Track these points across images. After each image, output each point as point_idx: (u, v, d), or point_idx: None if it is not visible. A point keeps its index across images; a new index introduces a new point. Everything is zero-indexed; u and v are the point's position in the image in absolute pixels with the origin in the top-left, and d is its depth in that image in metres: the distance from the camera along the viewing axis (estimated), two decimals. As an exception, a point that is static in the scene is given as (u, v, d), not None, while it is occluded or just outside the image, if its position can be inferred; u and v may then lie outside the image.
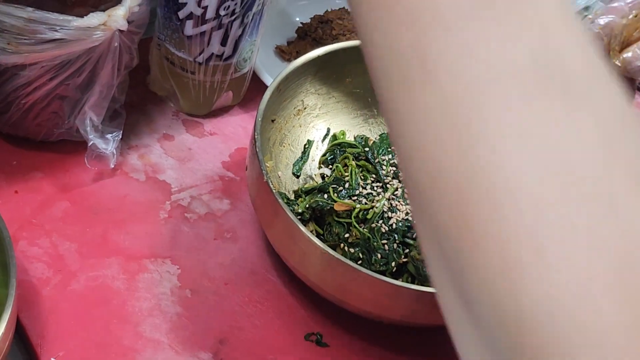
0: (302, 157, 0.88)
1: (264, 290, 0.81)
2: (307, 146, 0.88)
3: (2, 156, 0.85)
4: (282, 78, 0.83)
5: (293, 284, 0.81)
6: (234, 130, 0.94)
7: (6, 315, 0.61)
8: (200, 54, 0.87)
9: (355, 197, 0.81)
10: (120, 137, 0.85)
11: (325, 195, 0.80)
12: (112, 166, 0.85)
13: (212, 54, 0.87)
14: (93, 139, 0.83)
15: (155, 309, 0.77)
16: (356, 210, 0.79)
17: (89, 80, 0.81)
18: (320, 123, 0.90)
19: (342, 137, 0.89)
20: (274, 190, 0.73)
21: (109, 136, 0.84)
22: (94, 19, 0.76)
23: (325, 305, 0.79)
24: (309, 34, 1.02)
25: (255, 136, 0.76)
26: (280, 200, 0.72)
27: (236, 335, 0.77)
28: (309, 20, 1.03)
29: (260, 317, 0.79)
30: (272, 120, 0.85)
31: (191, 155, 0.90)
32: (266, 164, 0.80)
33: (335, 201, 0.80)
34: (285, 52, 1.01)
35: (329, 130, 0.90)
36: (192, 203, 0.86)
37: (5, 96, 0.80)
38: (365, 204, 0.80)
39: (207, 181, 0.88)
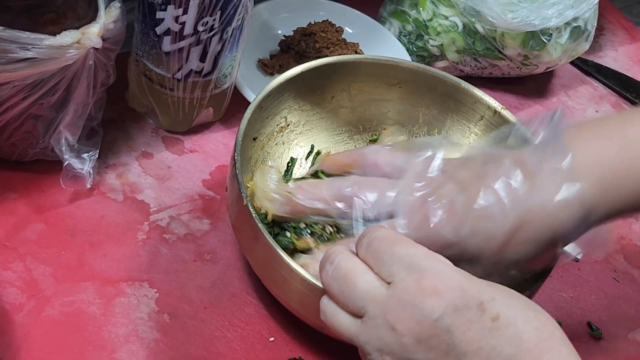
0: (284, 175, 0.85)
1: (244, 314, 0.79)
2: (290, 164, 0.86)
3: (-25, 176, 0.83)
4: (264, 95, 0.80)
5: (275, 307, 0.79)
6: (215, 147, 0.92)
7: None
8: (178, 70, 0.85)
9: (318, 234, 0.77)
10: (97, 156, 0.83)
11: (287, 234, 0.77)
12: (89, 186, 0.82)
13: (191, 70, 0.85)
14: (68, 159, 0.81)
15: (132, 334, 0.75)
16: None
17: (63, 99, 0.79)
18: (304, 140, 0.88)
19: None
20: (253, 214, 0.71)
21: (85, 155, 0.82)
22: (67, 37, 0.74)
23: (308, 329, 0.77)
24: (292, 47, 1.00)
25: (236, 157, 0.74)
26: (260, 225, 0.70)
27: (216, 362, 0.75)
28: (291, 33, 1.02)
29: (240, 341, 0.76)
30: (254, 139, 0.83)
31: (170, 174, 0.88)
32: (247, 184, 0.78)
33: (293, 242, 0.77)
34: (268, 66, 0.99)
35: (312, 147, 0.88)
36: (171, 223, 0.84)
37: (-23, 116, 0.78)
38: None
39: (187, 200, 0.86)
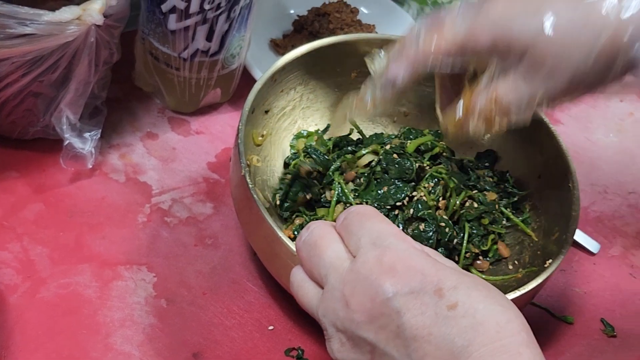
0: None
1: (244, 301, 0.77)
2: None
3: (-25, 154, 0.81)
4: (278, 68, 0.79)
5: (276, 295, 0.77)
6: (222, 129, 0.90)
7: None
8: (184, 49, 0.83)
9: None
10: (100, 135, 0.81)
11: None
12: (90, 166, 0.81)
13: (197, 49, 0.83)
14: (69, 138, 0.79)
15: (127, 319, 0.73)
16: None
17: (64, 76, 0.77)
18: (320, 118, 0.86)
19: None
20: (250, 185, 0.69)
21: (87, 135, 0.80)
22: (67, 13, 0.72)
23: (310, 319, 0.74)
24: (306, 27, 0.98)
25: (240, 126, 0.73)
26: (255, 196, 0.69)
27: (212, 349, 0.73)
28: (305, 13, 0.99)
29: (238, 329, 0.75)
30: (266, 112, 0.81)
31: (175, 156, 0.86)
32: (251, 157, 0.76)
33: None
34: (280, 46, 0.97)
35: (328, 126, 0.86)
36: (173, 206, 0.82)
37: (-25, 93, 0.77)
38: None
39: (191, 183, 0.84)
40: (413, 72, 0.68)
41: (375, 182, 0.77)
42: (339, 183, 0.77)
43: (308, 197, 0.78)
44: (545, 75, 0.64)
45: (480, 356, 0.51)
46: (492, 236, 0.80)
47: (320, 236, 0.59)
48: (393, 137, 0.83)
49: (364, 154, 0.79)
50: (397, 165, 0.76)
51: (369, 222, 0.58)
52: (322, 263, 0.58)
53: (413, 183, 0.76)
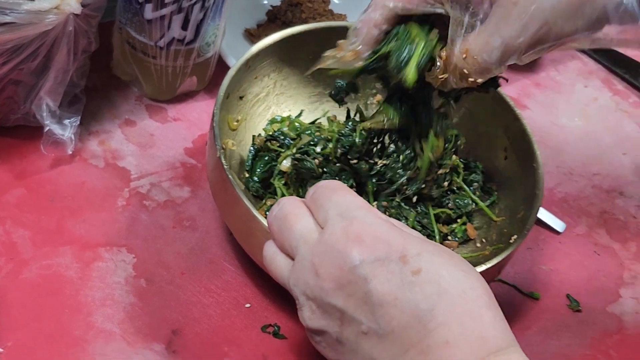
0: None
1: (221, 281, 0.79)
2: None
3: (-42, 141, 0.83)
4: (252, 55, 0.82)
5: (252, 274, 0.80)
6: (199, 116, 0.92)
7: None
8: (161, 38, 0.85)
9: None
10: (79, 122, 0.84)
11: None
12: (70, 152, 0.83)
13: (173, 38, 0.85)
14: (49, 125, 0.81)
15: (108, 298, 0.76)
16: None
17: (43, 65, 0.79)
18: (293, 105, 0.89)
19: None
20: (225, 166, 0.72)
21: (66, 122, 0.83)
22: (46, 2, 0.74)
23: (286, 297, 0.77)
24: (279, 17, 1.00)
25: (215, 110, 0.75)
26: (230, 177, 0.72)
27: (190, 326, 0.75)
28: (279, 3, 1.01)
29: (216, 307, 0.77)
30: (240, 97, 0.83)
31: (153, 142, 0.89)
32: (227, 141, 0.79)
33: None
34: (254, 36, 0.99)
35: (301, 112, 0.89)
36: (152, 190, 0.84)
37: (-43, 81, 0.79)
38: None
39: (168, 168, 0.87)
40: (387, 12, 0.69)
41: None
42: (279, 188, 0.80)
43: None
44: (516, 22, 0.63)
45: (443, 319, 0.54)
46: (463, 218, 0.83)
47: (290, 210, 0.62)
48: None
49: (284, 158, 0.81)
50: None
51: (336, 196, 0.61)
52: (292, 235, 0.61)
53: None
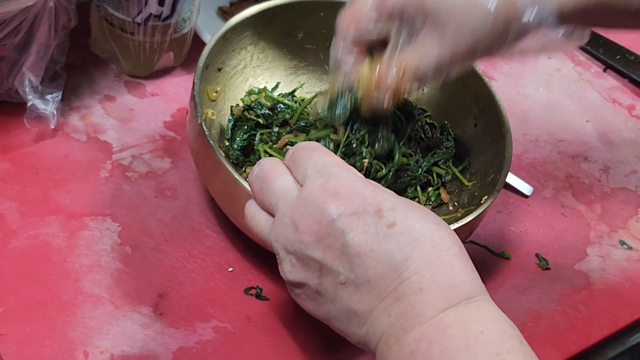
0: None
1: (204, 246, 0.82)
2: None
3: (-58, 118, 0.85)
4: (230, 27, 0.84)
5: (234, 240, 0.82)
6: (176, 90, 0.95)
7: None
8: (138, 14, 0.87)
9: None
10: (61, 97, 0.86)
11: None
12: (53, 127, 0.85)
13: (150, 14, 0.88)
14: (32, 100, 0.83)
15: (95, 265, 0.78)
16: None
17: (25, 40, 0.81)
18: (270, 77, 0.91)
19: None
20: (206, 132, 0.74)
21: (48, 97, 0.85)
22: (27, -22, 0.76)
23: (267, 260, 0.80)
24: (252, -5, 1.02)
25: (195, 80, 0.78)
26: (212, 142, 0.74)
27: (176, 290, 0.78)
28: (251, -18, 1.04)
29: (200, 272, 0.80)
30: (219, 69, 0.86)
31: (133, 116, 0.91)
32: (207, 111, 0.81)
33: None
34: (228, 13, 1.02)
35: (278, 84, 0.91)
36: (133, 162, 0.87)
37: (-59, 57, 0.81)
38: None
39: (149, 141, 0.89)
40: (345, 43, 0.74)
41: None
42: (265, 151, 0.83)
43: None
44: (449, 37, 0.69)
45: (417, 268, 0.57)
46: (436, 184, 0.87)
47: (270, 169, 0.65)
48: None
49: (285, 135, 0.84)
50: None
51: (314, 155, 0.64)
52: (272, 193, 0.64)
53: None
